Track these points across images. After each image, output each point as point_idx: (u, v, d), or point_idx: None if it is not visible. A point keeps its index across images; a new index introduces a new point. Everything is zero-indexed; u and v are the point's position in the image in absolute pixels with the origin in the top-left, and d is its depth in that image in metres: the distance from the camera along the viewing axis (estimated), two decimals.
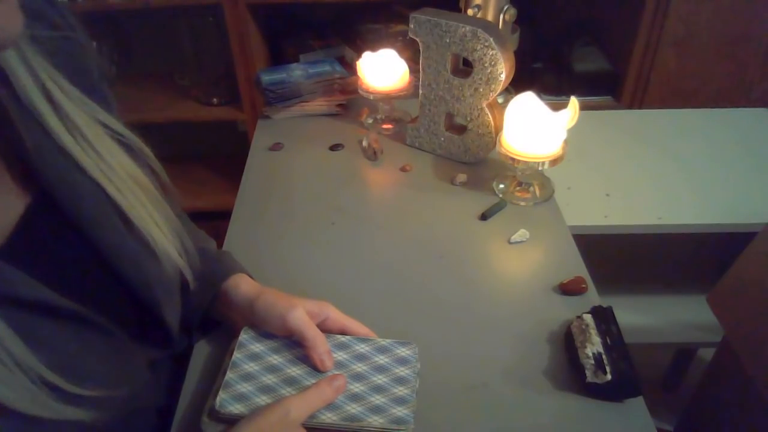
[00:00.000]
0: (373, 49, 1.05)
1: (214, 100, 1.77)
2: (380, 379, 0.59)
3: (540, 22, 1.73)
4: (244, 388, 0.56)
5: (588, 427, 0.60)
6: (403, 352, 0.62)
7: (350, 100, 1.16)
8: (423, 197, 0.94)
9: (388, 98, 1.07)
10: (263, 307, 0.62)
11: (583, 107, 0.85)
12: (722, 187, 1.05)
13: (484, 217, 0.88)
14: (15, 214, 0.47)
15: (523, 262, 0.81)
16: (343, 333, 0.63)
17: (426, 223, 0.89)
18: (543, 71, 1.70)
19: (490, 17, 1.14)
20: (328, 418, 0.54)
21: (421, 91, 0.99)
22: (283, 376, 0.58)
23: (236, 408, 0.55)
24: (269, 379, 0.57)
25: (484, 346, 0.68)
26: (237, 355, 0.59)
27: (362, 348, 0.61)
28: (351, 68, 1.42)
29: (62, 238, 0.50)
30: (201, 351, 0.69)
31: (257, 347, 0.60)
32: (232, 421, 0.53)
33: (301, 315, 0.59)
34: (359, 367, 0.59)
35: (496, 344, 0.69)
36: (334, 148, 1.06)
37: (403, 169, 1.00)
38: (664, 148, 1.15)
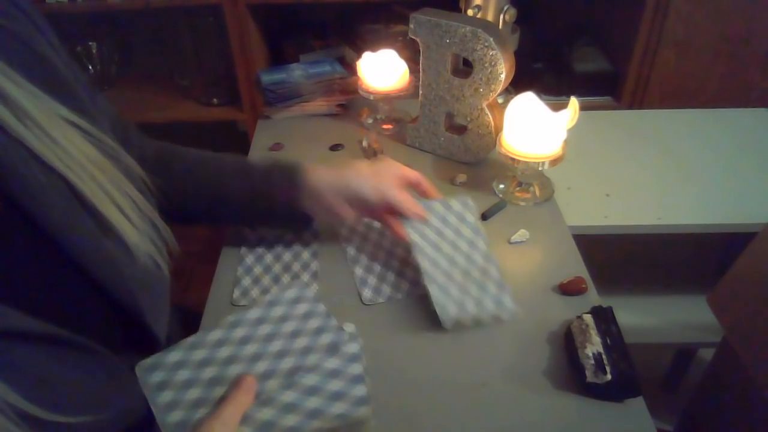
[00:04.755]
0: (373, 49, 1.05)
1: (214, 100, 1.77)
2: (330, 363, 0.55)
3: (540, 22, 1.72)
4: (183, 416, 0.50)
5: (588, 427, 0.60)
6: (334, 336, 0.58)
7: (350, 100, 1.16)
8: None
9: (388, 98, 1.07)
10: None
11: (583, 107, 0.85)
12: (722, 187, 1.05)
13: (484, 217, 0.88)
14: None
15: (523, 262, 0.81)
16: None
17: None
18: (543, 71, 1.70)
19: (490, 17, 1.14)
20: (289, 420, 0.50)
21: (421, 91, 0.99)
22: (208, 387, 0.52)
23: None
24: (199, 403, 0.51)
25: (484, 346, 0.68)
26: (152, 398, 0.52)
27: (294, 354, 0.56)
28: (351, 68, 1.42)
29: (29, 247, 0.44)
30: None
31: (158, 376, 0.52)
32: None
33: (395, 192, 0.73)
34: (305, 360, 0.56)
35: (496, 344, 0.69)
36: (334, 148, 1.06)
37: None
38: (664, 148, 1.15)
